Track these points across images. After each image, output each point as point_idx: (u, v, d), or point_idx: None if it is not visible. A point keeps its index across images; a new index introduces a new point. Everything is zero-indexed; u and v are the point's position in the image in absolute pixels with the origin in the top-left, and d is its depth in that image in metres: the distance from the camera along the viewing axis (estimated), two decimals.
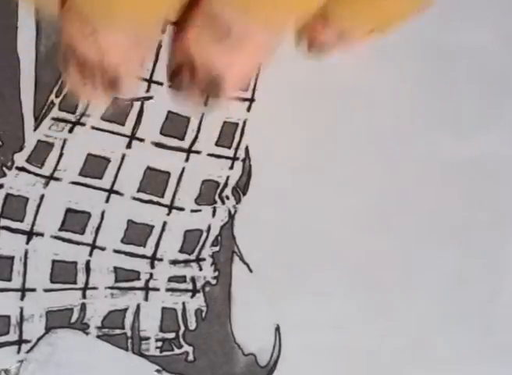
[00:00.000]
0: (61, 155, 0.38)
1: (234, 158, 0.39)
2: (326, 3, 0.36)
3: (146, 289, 0.38)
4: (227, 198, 0.39)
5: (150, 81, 0.38)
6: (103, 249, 0.38)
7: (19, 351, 0.38)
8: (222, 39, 0.35)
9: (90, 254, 0.38)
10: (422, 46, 0.39)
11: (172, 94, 0.36)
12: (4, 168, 0.38)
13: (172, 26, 0.35)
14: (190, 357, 0.38)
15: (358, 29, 0.36)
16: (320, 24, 0.37)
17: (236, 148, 0.39)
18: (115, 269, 0.38)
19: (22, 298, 0.38)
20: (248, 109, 0.39)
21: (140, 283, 0.38)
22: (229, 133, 0.39)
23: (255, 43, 0.35)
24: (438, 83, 0.40)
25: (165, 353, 0.38)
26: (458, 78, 0.40)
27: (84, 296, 0.38)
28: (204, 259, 0.39)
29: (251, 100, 0.39)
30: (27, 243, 0.38)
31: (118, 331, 0.38)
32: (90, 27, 0.32)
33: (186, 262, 0.39)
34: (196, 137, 0.39)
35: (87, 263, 0.38)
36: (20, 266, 0.38)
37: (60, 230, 0.38)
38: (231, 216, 0.39)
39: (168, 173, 0.39)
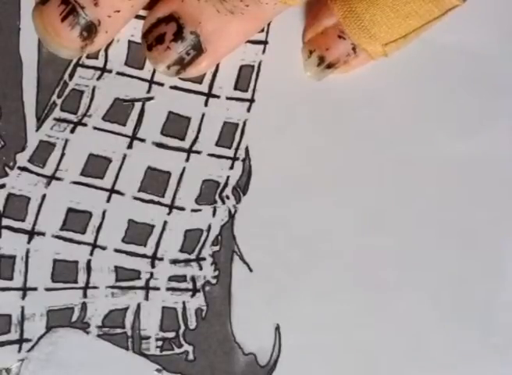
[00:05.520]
0: (62, 155, 0.38)
1: (234, 159, 0.39)
2: (343, 15, 0.36)
3: (146, 288, 0.38)
4: (227, 197, 0.39)
5: (151, 82, 0.39)
6: (104, 249, 0.38)
7: (20, 350, 0.38)
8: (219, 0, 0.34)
9: (91, 253, 0.38)
10: (422, 46, 0.38)
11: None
12: (6, 168, 0.38)
13: None
14: (190, 356, 0.39)
15: (373, 43, 0.36)
16: (333, 38, 0.37)
17: (236, 148, 0.39)
18: (116, 268, 0.38)
19: (23, 297, 0.38)
20: (248, 110, 0.39)
21: (140, 283, 0.38)
22: (229, 134, 0.39)
23: (252, 13, 0.34)
24: (438, 82, 0.40)
25: (165, 352, 0.38)
26: (458, 78, 0.40)
27: (85, 295, 0.38)
28: (204, 259, 0.39)
29: (251, 101, 0.39)
30: (29, 242, 0.38)
31: (118, 330, 0.38)
32: None
33: (187, 261, 0.39)
34: (196, 138, 0.39)
35: (88, 262, 0.38)
36: (22, 265, 0.38)
37: (61, 229, 0.38)
38: (231, 216, 0.39)
39: (168, 173, 0.39)
